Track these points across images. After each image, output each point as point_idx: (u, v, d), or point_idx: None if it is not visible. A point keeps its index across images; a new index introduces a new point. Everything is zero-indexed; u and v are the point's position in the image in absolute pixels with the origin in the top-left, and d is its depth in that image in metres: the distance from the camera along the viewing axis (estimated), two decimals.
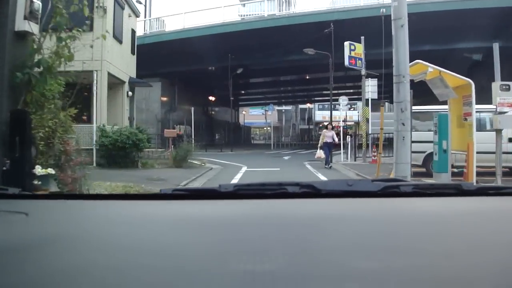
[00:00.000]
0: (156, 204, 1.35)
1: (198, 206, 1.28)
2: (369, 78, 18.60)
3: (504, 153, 10.50)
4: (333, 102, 26.29)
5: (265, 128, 72.27)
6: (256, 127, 73.95)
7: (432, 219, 1.10)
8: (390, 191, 1.33)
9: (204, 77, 35.78)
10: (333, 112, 66.99)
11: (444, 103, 11.50)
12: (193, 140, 31.35)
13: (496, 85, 10.29)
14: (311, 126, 72.62)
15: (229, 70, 27.31)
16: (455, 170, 11.18)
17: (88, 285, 0.72)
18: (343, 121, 60.75)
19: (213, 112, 46.36)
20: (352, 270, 0.76)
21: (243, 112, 59.25)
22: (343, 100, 20.14)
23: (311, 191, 1.32)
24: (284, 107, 71.70)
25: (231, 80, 27.38)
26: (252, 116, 70.09)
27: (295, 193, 1.32)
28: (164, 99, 32.60)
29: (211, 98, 38.00)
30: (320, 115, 71.52)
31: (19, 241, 0.95)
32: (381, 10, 15.76)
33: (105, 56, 15.30)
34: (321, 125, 71.75)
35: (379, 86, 18.71)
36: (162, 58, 30.07)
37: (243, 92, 47.45)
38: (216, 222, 1.10)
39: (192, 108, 28.09)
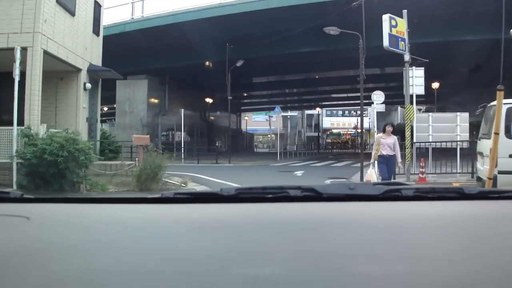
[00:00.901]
0: (158, 207, 1.34)
1: (199, 210, 1.28)
2: (414, 67, 13.71)
3: None
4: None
5: (269, 136, 67.50)
6: (260, 134, 69.18)
7: (434, 223, 1.10)
8: (392, 194, 1.32)
9: (200, 75, 30.97)
10: (340, 118, 61.84)
11: None
12: (184, 149, 26.74)
13: None
14: (319, 134, 68.24)
15: (227, 64, 22.40)
16: None
17: None
18: (353, 128, 55.48)
19: (212, 117, 41.65)
20: (353, 275, 0.76)
21: (245, 118, 54.43)
22: (377, 96, 15.09)
23: (313, 195, 1.31)
24: (289, 113, 66.91)
25: (229, 75, 22.41)
26: (255, 122, 65.43)
27: (296, 196, 1.31)
28: (152, 100, 27.83)
29: (208, 100, 32.99)
30: (329, 121, 66.91)
31: (20, 245, 0.94)
32: None
33: (40, 27, 10.47)
34: (328, 132, 67.13)
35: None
36: (149, 51, 25.28)
37: (245, 94, 42.61)
38: (218, 225, 1.10)
39: (182, 110, 23.35)
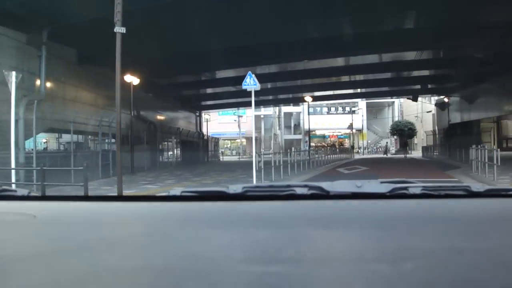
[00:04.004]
0: (165, 205, 1.36)
1: (206, 207, 1.29)
2: None
3: None
4: None
5: (238, 140, 54.72)
6: (227, 139, 56.30)
7: (441, 221, 1.09)
8: (399, 192, 1.32)
9: (130, 41, 17.93)
10: (326, 117, 49.06)
11: None
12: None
13: None
14: (299, 136, 55.65)
15: None
16: None
17: (97, 286, 0.72)
18: (348, 128, 42.53)
19: (160, 116, 28.87)
20: (361, 272, 0.76)
21: (206, 116, 41.33)
22: None
23: (320, 193, 1.31)
24: (263, 111, 54.18)
25: None
26: (221, 125, 52.76)
27: (303, 194, 1.31)
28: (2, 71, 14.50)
29: (130, 79, 19.78)
30: (312, 121, 54.26)
31: (27, 243, 0.95)
32: None
33: None
34: (311, 134, 54.59)
35: None
36: None
37: (203, 78, 29.66)
38: (225, 223, 1.10)
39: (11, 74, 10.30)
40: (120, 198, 1.45)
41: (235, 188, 1.34)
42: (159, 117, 29.70)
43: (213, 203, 1.31)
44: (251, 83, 11.92)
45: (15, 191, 1.44)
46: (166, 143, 30.46)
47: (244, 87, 12.04)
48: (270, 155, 17.59)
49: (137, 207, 1.35)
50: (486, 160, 12.78)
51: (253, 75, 11.92)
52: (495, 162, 11.94)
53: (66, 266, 0.80)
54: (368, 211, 1.19)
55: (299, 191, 1.31)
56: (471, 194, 1.31)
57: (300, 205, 1.27)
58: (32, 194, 1.44)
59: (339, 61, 26.59)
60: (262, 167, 13.49)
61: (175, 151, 31.32)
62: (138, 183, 14.27)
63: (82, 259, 0.83)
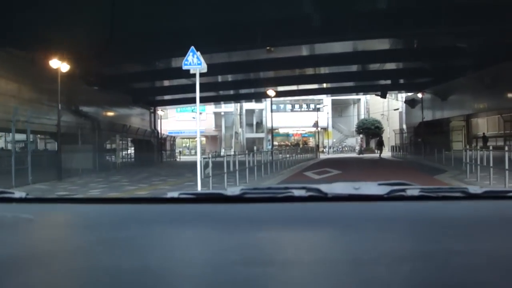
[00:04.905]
0: (163, 207, 1.35)
1: (204, 209, 1.28)
2: None
3: None
4: None
5: (196, 139, 51.65)
6: (186, 137, 53.04)
7: (439, 223, 1.09)
8: (397, 194, 1.31)
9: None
10: (290, 115, 46.48)
11: None
12: None
13: None
14: (261, 135, 53.06)
15: None
16: None
17: None
18: (315, 126, 40.01)
19: (107, 112, 25.62)
20: (359, 274, 0.76)
21: (160, 112, 37.95)
22: None
23: (318, 195, 1.30)
24: (223, 108, 51.28)
25: None
26: (180, 123, 49.48)
27: (301, 196, 1.31)
28: None
29: (57, 64, 16.39)
30: (275, 119, 51.32)
31: (25, 245, 0.95)
32: None
33: None
34: (274, 133, 51.85)
35: None
36: None
37: (157, 69, 26.44)
38: (223, 225, 1.10)
39: None
40: (118, 200, 1.40)
41: (233, 190, 1.34)
42: (104, 113, 26.37)
43: (211, 205, 1.31)
44: (194, 62, 8.97)
45: (12, 193, 1.39)
46: (118, 142, 27.05)
47: (185, 67, 9.08)
48: (230, 155, 14.78)
49: (134, 209, 1.34)
50: (491, 164, 10.27)
51: (198, 52, 8.97)
52: (506, 166, 9.41)
53: (63, 268, 0.80)
54: (366, 213, 1.18)
55: (297, 193, 1.30)
56: (469, 196, 1.30)
57: (298, 207, 1.26)
58: (30, 196, 1.38)
59: (304, 50, 23.92)
60: (211, 174, 10.59)
61: (122, 151, 27.94)
62: (53, 195, 11.11)
63: (79, 261, 0.84)
